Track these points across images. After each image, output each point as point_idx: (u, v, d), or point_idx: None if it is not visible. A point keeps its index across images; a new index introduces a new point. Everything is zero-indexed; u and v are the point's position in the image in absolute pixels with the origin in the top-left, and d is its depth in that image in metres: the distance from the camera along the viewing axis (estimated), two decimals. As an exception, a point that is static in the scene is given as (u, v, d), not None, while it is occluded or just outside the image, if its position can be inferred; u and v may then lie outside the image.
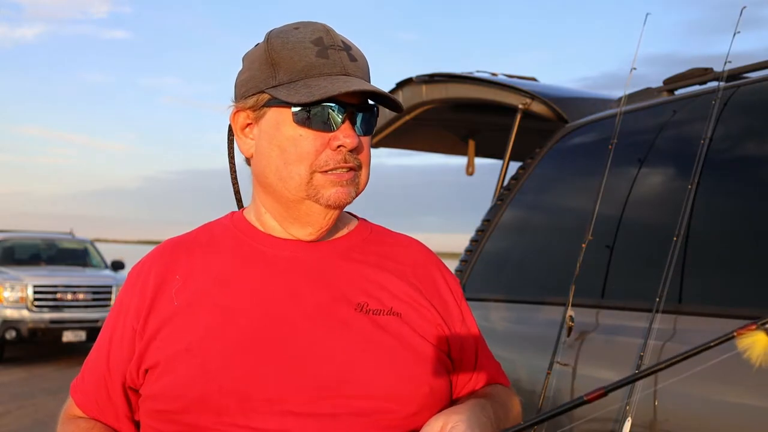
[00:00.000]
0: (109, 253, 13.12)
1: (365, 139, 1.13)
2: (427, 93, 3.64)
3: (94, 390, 1.18)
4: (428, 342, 1.13)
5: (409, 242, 1.27)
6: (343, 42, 1.12)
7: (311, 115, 1.07)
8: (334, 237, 1.19)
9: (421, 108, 3.75)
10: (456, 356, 1.18)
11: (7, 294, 9.43)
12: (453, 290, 1.23)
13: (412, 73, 3.96)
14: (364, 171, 1.13)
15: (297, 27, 1.12)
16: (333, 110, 1.08)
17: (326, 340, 1.07)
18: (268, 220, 1.17)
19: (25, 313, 9.36)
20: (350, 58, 1.10)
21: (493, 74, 3.45)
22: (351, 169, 1.10)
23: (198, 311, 1.10)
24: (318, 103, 1.07)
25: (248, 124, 1.15)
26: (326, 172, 1.09)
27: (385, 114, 3.98)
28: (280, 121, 1.10)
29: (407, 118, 3.89)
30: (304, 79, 1.08)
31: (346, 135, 1.08)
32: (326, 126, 1.08)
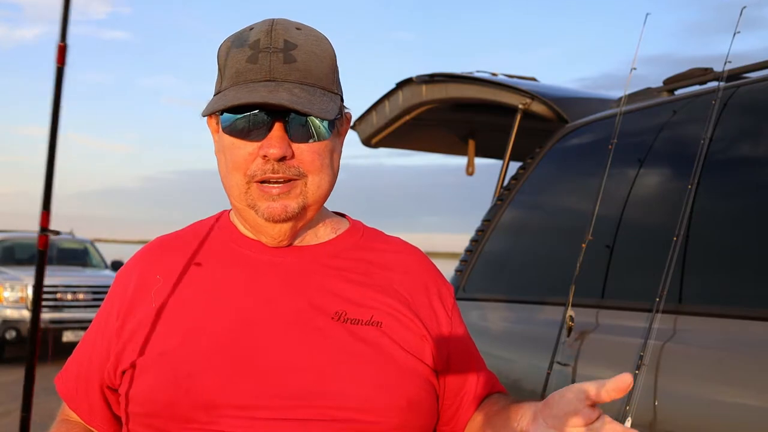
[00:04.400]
0: (109, 253, 13.11)
1: (308, 146, 1.05)
2: (427, 93, 3.64)
3: (74, 384, 1.19)
4: (409, 353, 1.09)
5: (403, 248, 1.22)
6: (286, 41, 1.03)
7: (237, 124, 1.04)
8: (319, 241, 1.16)
9: (421, 108, 3.75)
10: (442, 368, 1.13)
11: (7, 294, 9.43)
12: (444, 300, 1.18)
13: (412, 73, 3.95)
14: (313, 179, 1.07)
15: (251, 27, 1.08)
16: (256, 118, 1.03)
17: (300, 348, 1.05)
18: (238, 224, 1.17)
19: (25, 313, 9.35)
20: (286, 60, 1.03)
21: (493, 74, 3.45)
22: (288, 180, 1.05)
23: (173, 315, 1.09)
24: (242, 110, 1.03)
25: (217, 129, 1.13)
26: (260, 183, 1.05)
27: (385, 113, 3.98)
28: (221, 128, 1.08)
29: (407, 118, 3.88)
30: (233, 87, 1.04)
31: (269, 145, 1.03)
32: (252, 135, 1.04)
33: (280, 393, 1.02)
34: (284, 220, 1.07)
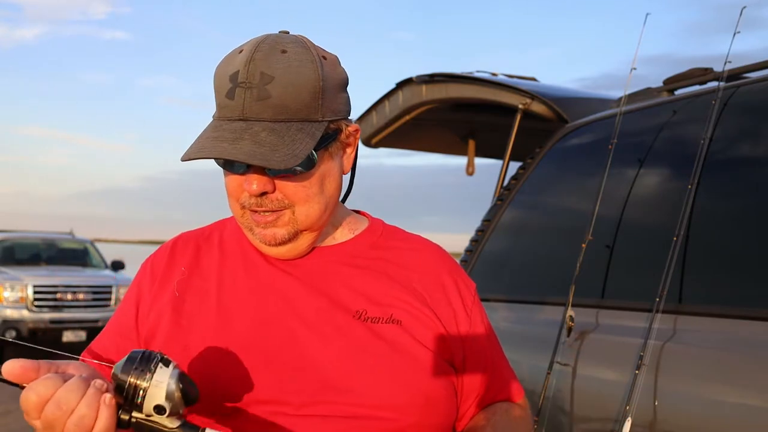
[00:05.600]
0: (109, 253, 13.10)
1: (289, 179, 1.04)
2: (427, 93, 3.64)
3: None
4: (428, 351, 1.10)
5: (423, 246, 1.23)
6: (263, 74, 1.00)
7: (224, 159, 1.03)
8: (338, 241, 1.18)
9: (421, 108, 3.75)
10: (460, 366, 1.16)
11: (7, 294, 9.42)
12: (464, 298, 1.20)
13: (412, 73, 3.95)
14: (300, 208, 1.06)
15: (241, 50, 1.04)
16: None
17: (321, 347, 1.06)
18: None
19: (25, 313, 9.35)
20: (260, 96, 1.00)
21: (493, 74, 3.45)
22: (273, 210, 1.06)
23: (198, 312, 1.11)
24: None
25: None
26: (253, 211, 1.07)
27: (385, 113, 3.98)
28: None
29: (407, 118, 3.89)
30: (210, 127, 1.04)
31: (249, 181, 1.03)
32: (236, 168, 1.05)
33: (301, 389, 1.04)
34: (277, 245, 1.09)
